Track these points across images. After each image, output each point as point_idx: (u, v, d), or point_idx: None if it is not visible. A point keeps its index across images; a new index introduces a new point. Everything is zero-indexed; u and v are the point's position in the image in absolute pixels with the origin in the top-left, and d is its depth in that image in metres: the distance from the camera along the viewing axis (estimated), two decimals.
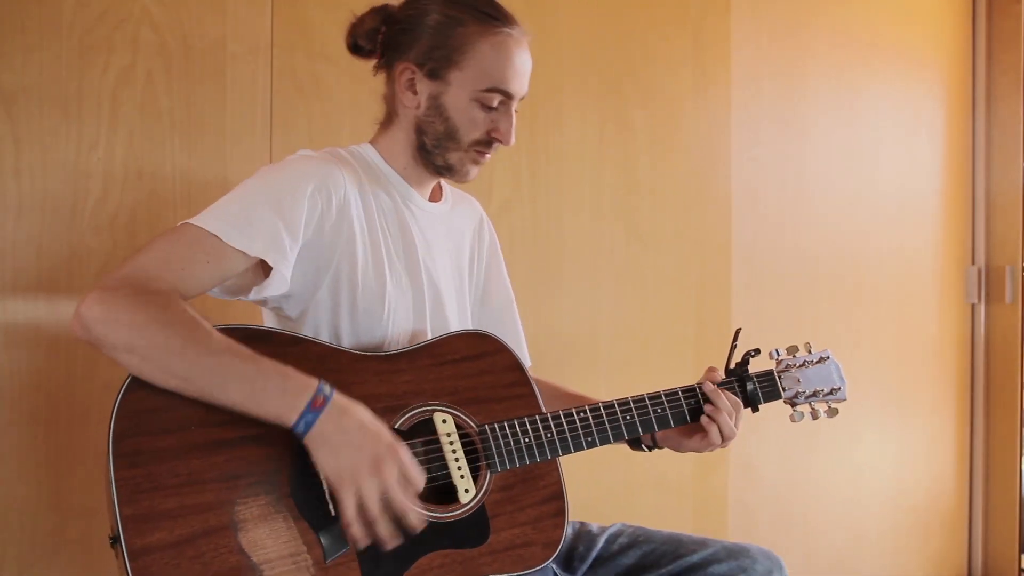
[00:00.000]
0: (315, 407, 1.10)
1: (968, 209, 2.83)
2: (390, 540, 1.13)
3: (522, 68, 1.35)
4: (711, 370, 1.48)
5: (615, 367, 2.17)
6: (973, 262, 2.83)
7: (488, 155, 1.39)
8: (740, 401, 1.44)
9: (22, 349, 1.55)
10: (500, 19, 1.34)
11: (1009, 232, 2.77)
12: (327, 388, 1.12)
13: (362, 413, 1.14)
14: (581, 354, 2.12)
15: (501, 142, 1.37)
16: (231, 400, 1.10)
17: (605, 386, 2.15)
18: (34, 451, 1.56)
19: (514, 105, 1.37)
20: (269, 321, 1.39)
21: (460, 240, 1.51)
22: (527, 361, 1.55)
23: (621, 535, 1.46)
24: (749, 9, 2.37)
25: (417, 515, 1.15)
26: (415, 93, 1.36)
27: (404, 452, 1.14)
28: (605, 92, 2.16)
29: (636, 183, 2.20)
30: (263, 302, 1.34)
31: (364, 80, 1.84)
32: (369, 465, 1.10)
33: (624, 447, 1.48)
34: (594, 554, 1.44)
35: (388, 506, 1.12)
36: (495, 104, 1.34)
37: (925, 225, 2.73)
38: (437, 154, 1.37)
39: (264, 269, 1.24)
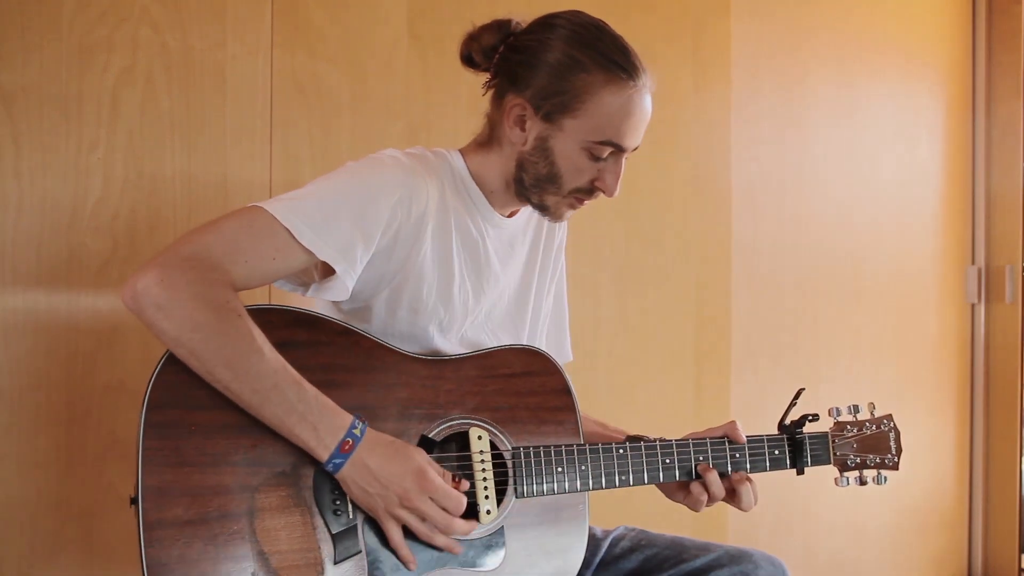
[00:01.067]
0: (343, 451, 1.11)
1: (968, 209, 2.83)
2: (453, 548, 1.18)
3: (640, 122, 1.28)
4: (734, 427, 1.40)
5: (615, 367, 2.17)
6: (973, 262, 2.83)
7: (587, 202, 1.33)
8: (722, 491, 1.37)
9: (22, 349, 1.55)
10: (627, 70, 1.25)
11: (1009, 232, 2.77)
12: (358, 429, 1.13)
13: (390, 446, 1.15)
14: (581, 354, 2.11)
15: (604, 193, 1.31)
16: (264, 421, 1.11)
17: (605, 385, 2.15)
18: (34, 451, 1.56)
19: (625, 156, 1.31)
20: (321, 304, 1.35)
21: (528, 254, 1.47)
22: (567, 356, 1.55)
23: (624, 539, 1.46)
24: (749, 9, 2.37)
25: (464, 526, 1.18)
26: (523, 130, 1.29)
27: (432, 479, 1.14)
28: None
29: (636, 183, 2.20)
30: None
31: (364, 80, 1.85)
32: (398, 500, 1.13)
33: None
34: (598, 559, 1.43)
35: (433, 525, 1.16)
36: (604, 155, 1.28)
37: (925, 225, 2.73)
38: (534, 193, 1.32)
39: (327, 271, 1.21)
